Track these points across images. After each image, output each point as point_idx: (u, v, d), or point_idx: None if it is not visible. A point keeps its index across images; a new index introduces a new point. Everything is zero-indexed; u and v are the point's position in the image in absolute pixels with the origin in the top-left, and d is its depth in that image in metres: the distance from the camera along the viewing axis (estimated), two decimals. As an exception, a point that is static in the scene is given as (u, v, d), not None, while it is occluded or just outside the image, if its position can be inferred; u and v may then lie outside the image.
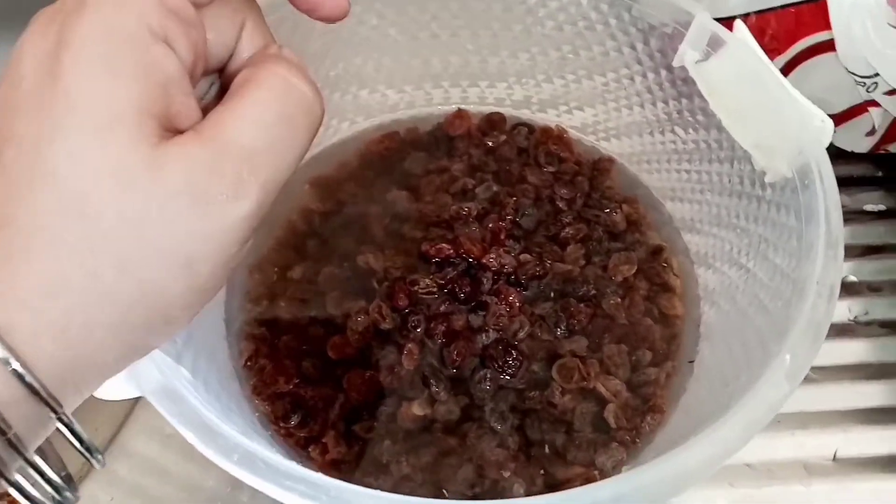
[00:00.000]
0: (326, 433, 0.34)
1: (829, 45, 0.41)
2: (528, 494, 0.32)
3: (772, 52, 0.42)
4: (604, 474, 0.33)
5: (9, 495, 0.19)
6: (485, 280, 0.38)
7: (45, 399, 0.18)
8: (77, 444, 0.20)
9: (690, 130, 0.39)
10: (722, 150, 0.37)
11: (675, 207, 0.41)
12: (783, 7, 0.41)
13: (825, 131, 0.31)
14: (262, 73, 0.21)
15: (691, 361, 0.36)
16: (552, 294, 0.38)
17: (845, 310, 0.44)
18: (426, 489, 0.33)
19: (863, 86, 0.40)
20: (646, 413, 0.34)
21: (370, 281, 0.38)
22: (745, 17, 0.41)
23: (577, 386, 0.35)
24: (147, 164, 0.18)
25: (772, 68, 0.32)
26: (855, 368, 0.42)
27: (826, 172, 0.30)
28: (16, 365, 0.18)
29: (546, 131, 0.44)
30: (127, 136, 0.18)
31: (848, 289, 0.45)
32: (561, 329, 0.37)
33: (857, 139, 0.45)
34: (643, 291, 0.38)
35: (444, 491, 0.32)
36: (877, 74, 0.39)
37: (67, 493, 0.20)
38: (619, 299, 0.38)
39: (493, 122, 0.45)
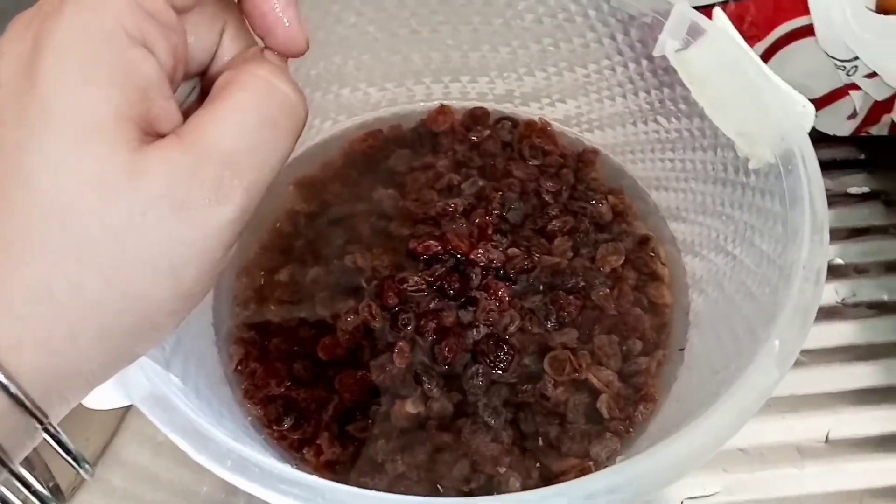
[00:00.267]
0: (320, 435, 0.34)
1: (808, 31, 0.41)
2: (524, 488, 0.32)
3: (751, 39, 0.42)
4: (598, 465, 0.33)
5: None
6: (473, 275, 0.38)
7: (30, 409, 0.18)
8: (64, 454, 0.20)
9: (673, 119, 0.39)
10: (705, 138, 0.37)
11: (661, 197, 0.41)
12: (761, -7, 0.41)
13: (807, 116, 0.31)
14: (244, 76, 0.21)
15: (681, 349, 0.36)
16: (541, 287, 0.38)
17: (832, 292, 0.45)
18: (422, 487, 0.33)
19: (843, 70, 0.40)
20: (638, 402, 0.34)
21: (358, 280, 0.38)
22: (723, 4, 0.41)
23: (569, 378, 0.35)
24: (127, 171, 0.18)
25: (752, 55, 0.32)
26: (844, 350, 0.43)
27: (809, 157, 0.30)
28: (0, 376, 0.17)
29: (530, 125, 0.44)
30: (105, 143, 0.18)
31: (834, 271, 0.45)
32: (551, 322, 0.37)
33: (839, 123, 0.45)
34: (631, 281, 0.39)
35: (440, 487, 0.32)
36: (856, 58, 0.39)
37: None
38: (608, 290, 0.38)
39: (477, 117, 0.45)
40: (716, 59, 0.34)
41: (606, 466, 0.31)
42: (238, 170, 0.20)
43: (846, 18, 0.38)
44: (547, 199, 0.41)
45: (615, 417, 0.34)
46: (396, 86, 0.44)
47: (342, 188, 0.42)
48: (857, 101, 0.42)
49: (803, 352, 0.42)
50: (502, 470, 0.33)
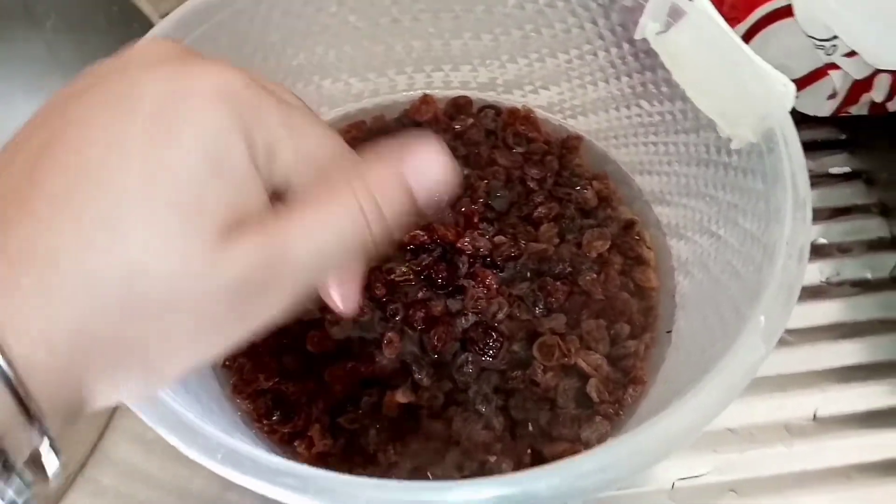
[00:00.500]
0: (311, 427, 0.34)
1: (787, 11, 0.41)
2: (516, 473, 0.32)
3: (732, 21, 0.42)
4: (589, 448, 0.33)
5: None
6: (461, 264, 0.38)
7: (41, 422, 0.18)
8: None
9: (655, 103, 0.39)
10: (687, 121, 0.37)
11: (645, 181, 0.41)
12: (740, -25, 0.41)
13: (787, 95, 0.31)
14: (343, 186, 0.21)
15: (669, 331, 0.36)
16: (528, 274, 0.38)
17: (816, 272, 0.45)
18: (415, 476, 0.33)
19: (822, 49, 0.41)
20: (627, 385, 0.35)
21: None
22: (703, -14, 0.41)
23: (558, 363, 0.35)
24: (208, 256, 0.19)
25: (732, 36, 0.32)
26: (829, 329, 0.43)
27: (790, 136, 0.30)
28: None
29: (513, 112, 0.44)
30: (205, 226, 0.19)
31: (818, 251, 0.46)
32: (539, 308, 0.37)
33: (820, 103, 0.45)
34: (618, 266, 0.39)
35: (432, 476, 0.32)
36: (835, 37, 0.39)
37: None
38: (595, 275, 0.38)
39: (460, 105, 0.45)
40: (696, 40, 0.34)
41: (597, 449, 0.31)
42: (296, 275, 0.20)
43: (824, -3, 0.38)
44: (532, 186, 0.41)
45: (605, 401, 0.34)
46: (378, 76, 0.44)
47: (326, 180, 0.42)
48: (836, 81, 0.43)
49: (789, 331, 0.42)
50: (493, 458, 0.33)
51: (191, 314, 0.19)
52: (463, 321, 0.36)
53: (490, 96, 0.45)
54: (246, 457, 0.22)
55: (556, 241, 0.39)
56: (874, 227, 0.47)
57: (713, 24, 0.33)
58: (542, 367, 0.35)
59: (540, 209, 0.40)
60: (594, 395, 0.34)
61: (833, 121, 0.48)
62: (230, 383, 0.35)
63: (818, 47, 0.41)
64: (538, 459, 0.33)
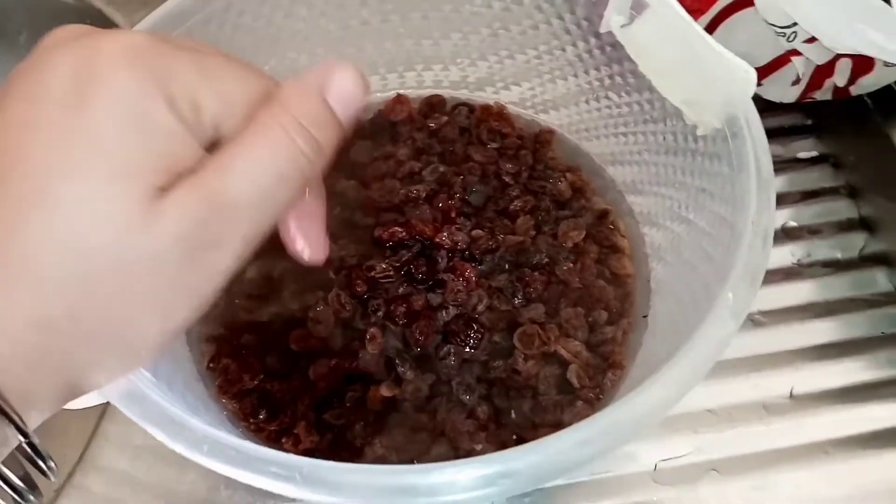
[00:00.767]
0: (297, 424, 0.34)
1: (748, 1, 0.42)
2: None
3: (694, 13, 0.43)
4: (572, 432, 0.33)
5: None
6: (440, 259, 0.38)
7: (10, 418, 0.19)
8: (35, 457, 0.21)
9: (623, 94, 0.40)
10: (654, 110, 0.38)
11: (617, 171, 0.42)
12: (701, -33, 0.42)
13: (749, 81, 0.32)
14: (267, 119, 0.21)
15: (645, 316, 0.37)
16: (506, 266, 0.39)
17: (788, 254, 0.46)
18: (401, 467, 0.33)
19: (783, 36, 0.42)
20: (606, 370, 0.35)
21: (326, 271, 0.38)
22: (665, -20, 0.42)
23: (538, 351, 0.36)
24: (145, 217, 0.19)
25: (694, 26, 0.33)
26: (802, 309, 0.44)
27: (753, 120, 0.31)
28: None
29: (486, 109, 0.45)
30: (136, 187, 0.18)
31: (789, 234, 0.47)
32: (518, 298, 0.37)
33: (784, 90, 0.46)
34: (593, 255, 0.40)
35: (419, 466, 0.33)
36: (795, 24, 0.40)
37: (31, 497, 0.20)
38: (572, 264, 0.39)
39: (433, 104, 0.45)
40: (660, 31, 0.34)
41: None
42: (240, 221, 0.20)
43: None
44: (507, 180, 0.42)
45: (585, 386, 0.35)
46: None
47: (304, 182, 0.42)
48: (799, 67, 0.44)
49: (764, 312, 0.43)
50: (479, 446, 0.34)
51: (145, 279, 0.19)
52: (444, 314, 0.37)
53: (463, 94, 0.46)
54: (231, 447, 0.23)
55: (533, 232, 0.40)
56: (843, 209, 0.48)
57: (675, 14, 0.34)
58: (523, 355, 0.36)
59: (516, 202, 0.41)
60: (575, 381, 0.35)
61: (799, 107, 0.49)
62: (215, 384, 0.35)
63: (779, 34, 0.42)
64: (523, 446, 0.34)
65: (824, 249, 0.46)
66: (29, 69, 0.20)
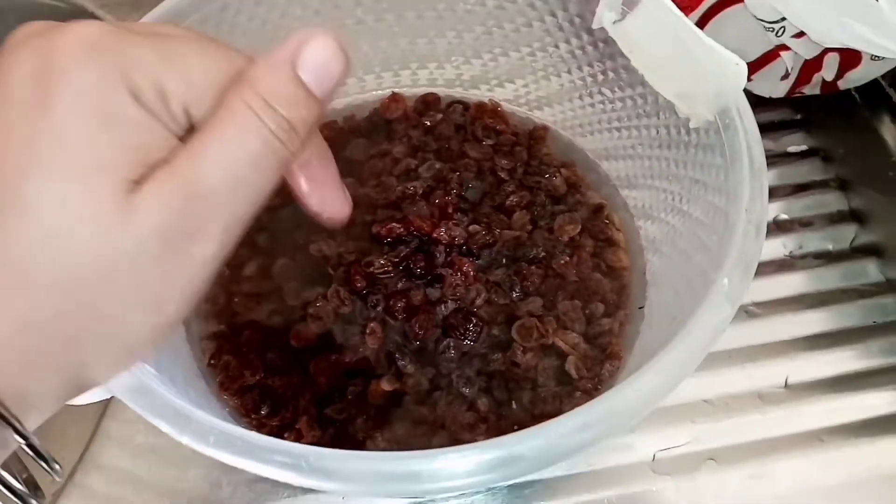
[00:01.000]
0: (299, 419, 0.34)
1: (737, -3, 0.43)
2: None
3: (685, 10, 0.43)
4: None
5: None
6: (438, 254, 0.39)
7: (7, 420, 0.19)
8: (35, 458, 0.21)
9: (616, 89, 0.40)
10: (647, 105, 0.38)
11: (611, 166, 0.43)
12: (691, -36, 0.43)
13: (740, 73, 0.33)
14: (235, 101, 0.20)
15: (641, 307, 0.37)
16: (504, 260, 0.39)
17: (780, 246, 0.47)
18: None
19: (772, 31, 0.42)
20: (604, 361, 0.36)
21: (325, 268, 0.39)
22: (656, -23, 0.42)
23: (537, 344, 0.36)
24: (121, 212, 0.18)
25: (685, 20, 0.34)
26: (795, 300, 0.44)
27: (745, 111, 0.32)
28: None
29: (480, 106, 0.45)
30: (108, 183, 0.18)
31: (781, 226, 0.47)
32: (516, 292, 0.38)
33: (774, 84, 0.47)
34: (589, 248, 0.40)
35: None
36: (783, 19, 0.41)
37: (33, 501, 0.20)
38: (568, 258, 0.39)
39: (428, 102, 0.46)
40: (651, 26, 0.35)
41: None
42: (219, 209, 0.20)
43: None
44: (503, 176, 0.42)
45: (583, 377, 0.35)
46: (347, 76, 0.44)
47: (301, 180, 0.42)
48: (788, 62, 0.44)
49: (758, 304, 0.44)
50: (480, 438, 0.34)
51: (129, 274, 0.19)
52: (443, 308, 0.37)
53: (457, 92, 0.46)
54: (238, 438, 0.23)
55: (529, 227, 0.40)
56: (833, 201, 0.49)
57: (666, 9, 0.34)
58: (521, 348, 0.36)
59: (512, 198, 0.41)
60: (573, 372, 0.35)
61: (788, 101, 0.50)
62: (217, 381, 0.35)
63: (768, 29, 0.42)
64: (522, 437, 0.34)
65: (816, 241, 0.47)
66: None
